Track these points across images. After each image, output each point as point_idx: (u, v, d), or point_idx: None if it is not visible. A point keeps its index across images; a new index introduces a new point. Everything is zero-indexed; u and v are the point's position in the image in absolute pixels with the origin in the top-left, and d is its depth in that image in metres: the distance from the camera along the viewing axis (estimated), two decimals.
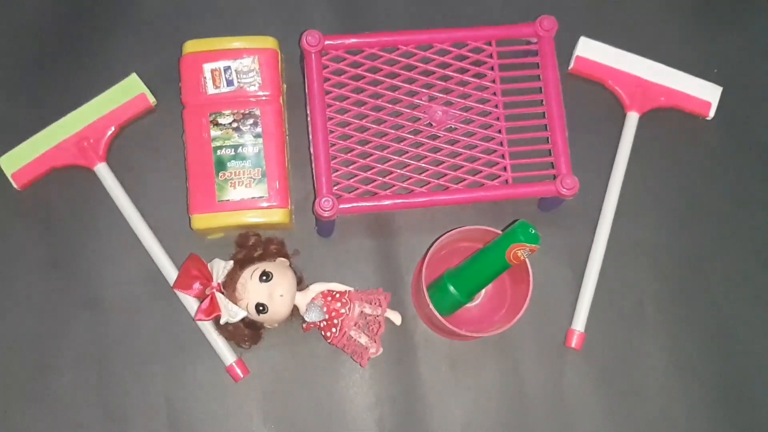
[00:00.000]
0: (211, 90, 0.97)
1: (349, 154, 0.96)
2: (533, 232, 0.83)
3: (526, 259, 0.87)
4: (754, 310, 1.01)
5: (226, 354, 0.96)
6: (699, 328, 1.00)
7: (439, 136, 0.98)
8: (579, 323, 0.98)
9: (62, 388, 0.96)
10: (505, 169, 0.97)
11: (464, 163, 0.97)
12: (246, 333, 0.93)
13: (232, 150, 0.96)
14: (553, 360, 0.99)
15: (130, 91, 1.01)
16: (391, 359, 0.98)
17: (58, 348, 0.97)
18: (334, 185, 0.94)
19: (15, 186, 1.00)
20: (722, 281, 1.02)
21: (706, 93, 1.06)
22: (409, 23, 1.05)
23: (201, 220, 0.95)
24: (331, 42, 0.98)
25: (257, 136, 0.96)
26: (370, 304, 0.94)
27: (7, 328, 0.98)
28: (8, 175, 0.99)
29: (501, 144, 0.98)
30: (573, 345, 0.98)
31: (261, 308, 0.90)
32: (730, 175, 1.06)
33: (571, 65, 1.06)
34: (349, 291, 0.94)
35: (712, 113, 1.06)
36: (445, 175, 0.96)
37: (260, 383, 0.97)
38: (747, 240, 1.04)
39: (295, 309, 0.93)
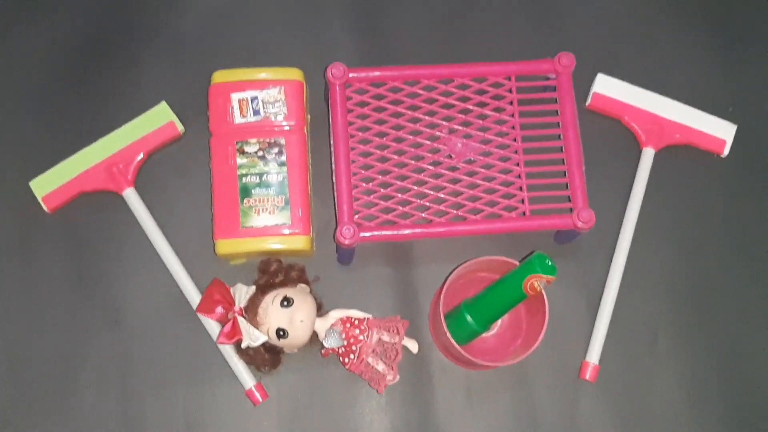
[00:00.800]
0: (238, 119, 1.00)
1: (371, 184, 0.98)
2: (550, 263, 0.85)
3: (543, 290, 0.89)
4: (766, 344, 1.02)
5: (246, 378, 0.97)
6: (713, 361, 1.01)
7: (459, 168, 1.00)
8: (593, 355, 0.99)
9: (84, 406, 0.98)
10: (522, 201, 0.99)
11: (483, 195, 0.99)
12: (266, 357, 0.94)
13: (257, 177, 0.98)
14: (567, 391, 1.00)
15: (159, 119, 1.05)
16: (408, 387, 0.99)
17: (80, 367, 0.99)
18: (355, 214, 0.96)
19: (45, 209, 1.03)
20: (736, 314, 1.03)
21: (721, 131, 1.08)
22: (431, 58, 1.07)
23: (225, 246, 0.97)
24: (355, 74, 1.00)
25: (282, 164, 0.99)
26: (388, 331, 0.95)
27: (32, 346, 1.00)
28: (39, 198, 1.02)
29: (519, 177, 1.00)
30: (587, 377, 0.99)
31: (281, 333, 0.91)
32: (744, 212, 1.07)
33: (589, 101, 1.08)
34: (368, 318, 0.96)
35: (726, 151, 1.08)
36: (464, 206, 0.98)
37: (279, 407, 0.98)
38: (760, 274, 1.05)
39: (314, 335, 0.95)
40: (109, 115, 1.06)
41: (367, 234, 0.95)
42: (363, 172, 0.99)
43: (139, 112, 1.05)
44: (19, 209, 1.04)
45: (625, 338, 1.01)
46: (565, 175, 1.00)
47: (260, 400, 0.97)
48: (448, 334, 0.90)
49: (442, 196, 0.99)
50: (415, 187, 0.99)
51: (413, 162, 1.00)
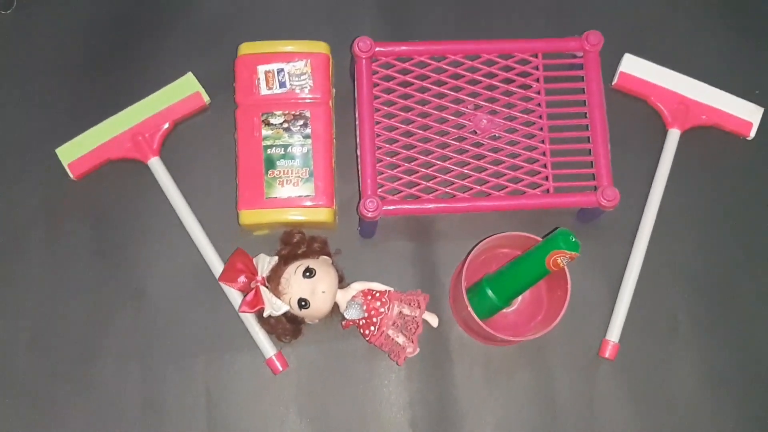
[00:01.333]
0: (264, 91, 1.00)
1: (395, 158, 0.98)
2: (573, 240, 0.85)
3: (565, 267, 0.89)
4: None
5: (267, 347, 0.98)
6: (733, 345, 1.01)
7: (483, 144, 1.00)
8: (614, 334, 0.99)
9: (105, 375, 0.99)
10: (546, 178, 0.99)
11: (507, 171, 0.99)
12: (287, 327, 0.95)
13: (282, 149, 0.99)
14: (586, 369, 1.00)
15: (185, 90, 1.05)
16: (427, 361, 1.00)
17: (103, 336, 1.00)
18: (379, 187, 0.97)
19: (71, 175, 1.03)
20: (758, 299, 1.03)
21: (748, 113, 1.07)
22: (458, 34, 1.07)
23: (249, 216, 0.98)
24: (381, 49, 1.00)
25: (306, 137, 0.99)
26: (409, 304, 0.96)
27: (54, 315, 1.01)
28: (65, 164, 1.03)
29: (543, 154, 1.00)
30: (607, 355, 0.99)
31: (303, 303, 0.92)
32: None
33: (615, 81, 1.08)
34: (389, 291, 0.96)
35: (753, 133, 1.07)
36: (488, 182, 0.98)
37: (298, 377, 0.99)
38: None
39: (335, 306, 0.95)
40: (136, 85, 1.07)
41: (390, 207, 0.95)
42: (387, 146, 0.99)
43: (166, 84, 1.05)
44: (45, 176, 1.05)
45: (645, 318, 1.01)
46: (590, 153, 0.99)
47: (280, 369, 0.98)
48: (470, 308, 0.90)
49: (466, 171, 0.99)
50: (439, 162, 0.99)
51: (438, 137, 1.00)
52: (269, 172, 0.98)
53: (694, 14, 1.14)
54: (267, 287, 0.93)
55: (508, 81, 1.02)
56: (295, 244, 0.96)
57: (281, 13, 1.12)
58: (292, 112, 1.00)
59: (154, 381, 0.99)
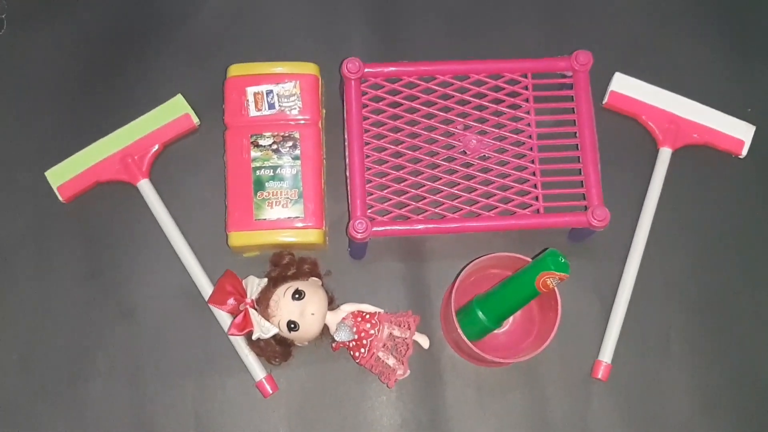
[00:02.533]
0: (253, 112, 1.00)
1: (384, 179, 0.98)
2: (563, 260, 0.85)
3: (555, 288, 0.88)
4: None
5: (257, 369, 0.97)
6: (726, 364, 1.00)
7: (473, 164, 1.00)
8: (606, 354, 0.99)
9: (94, 396, 0.98)
10: (537, 198, 0.98)
11: (496, 192, 0.98)
12: (277, 349, 0.94)
13: (271, 171, 0.99)
14: (578, 390, 0.99)
15: (175, 111, 1.05)
16: (418, 382, 0.99)
17: (92, 357, 1.00)
18: (368, 208, 0.96)
19: (60, 198, 1.03)
20: (750, 318, 1.02)
21: (739, 131, 1.07)
22: (447, 54, 1.07)
23: (238, 238, 0.97)
24: (370, 70, 1.00)
25: (296, 158, 0.99)
26: (399, 326, 0.95)
27: (44, 335, 1.00)
28: (54, 187, 1.03)
29: (534, 174, 0.99)
30: (600, 376, 0.98)
31: (292, 325, 0.92)
32: (761, 214, 1.06)
33: (606, 100, 1.08)
34: (379, 312, 0.96)
35: (744, 152, 1.07)
36: (478, 202, 0.98)
37: (288, 400, 0.98)
38: None
39: (325, 328, 0.95)
40: (125, 107, 1.07)
41: (379, 228, 0.95)
42: (377, 166, 0.99)
43: (155, 105, 1.05)
44: (34, 199, 1.05)
45: (638, 339, 1.01)
46: (580, 173, 0.99)
47: (270, 391, 0.97)
48: (460, 330, 0.90)
49: (456, 191, 0.98)
50: (429, 183, 0.99)
51: (427, 157, 1.00)
52: (258, 193, 0.98)
53: (684, 33, 1.14)
54: (256, 309, 0.93)
55: (498, 101, 1.02)
56: (285, 266, 0.96)
57: (271, 34, 1.12)
58: (282, 134, 1.00)
59: (143, 402, 0.98)
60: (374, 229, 0.94)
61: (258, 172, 0.99)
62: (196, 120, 1.06)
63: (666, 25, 1.14)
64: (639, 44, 1.13)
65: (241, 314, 0.93)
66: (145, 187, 1.03)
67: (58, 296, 1.02)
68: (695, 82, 1.10)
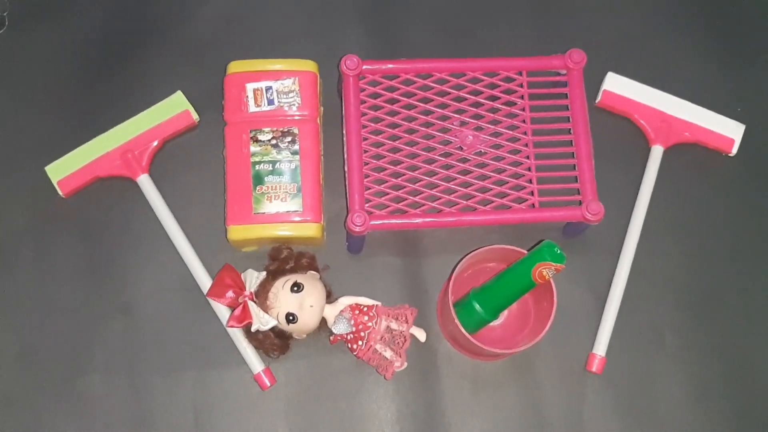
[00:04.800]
0: (252, 108, 1.02)
1: (382, 174, 0.99)
2: (559, 251, 0.86)
3: (551, 279, 0.90)
4: None
5: (255, 362, 0.98)
6: (719, 358, 1.02)
7: (469, 160, 1.01)
8: (600, 348, 1.00)
9: (93, 391, 0.99)
10: (532, 193, 1.00)
11: (492, 186, 1.00)
12: (275, 342, 0.95)
13: (270, 165, 1.00)
14: (573, 383, 1.00)
15: (174, 108, 1.06)
16: (415, 375, 1.00)
17: (91, 352, 1.00)
18: (366, 202, 0.97)
19: (60, 193, 1.04)
20: (743, 312, 1.04)
21: (730, 130, 1.09)
22: (444, 51, 1.09)
23: (237, 231, 0.98)
24: (368, 67, 1.02)
25: (294, 153, 1.00)
26: (397, 319, 0.96)
27: (43, 329, 1.01)
28: (54, 182, 1.03)
29: (529, 169, 1.01)
30: (594, 369, 0.99)
31: (291, 318, 0.92)
32: (751, 210, 1.08)
33: (599, 99, 1.10)
34: (377, 305, 0.97)
35: (734, 150, 1.08)
36: (474, 196, 0.99)
37: (286, 392, 0.99)
38: (766, 272, 1.05)
39: (323, 321, 0.96)
40: (125, 104, 1.08)
41: (377, 222, 0.96)
42: (374, 162, 1.00)
43: (156, 102, 1.07)
44: (34, 194, 1.05)
45: (632, 332, 1.02)
46: (574, 168, 1.01)
47: (268, 384, 0.98)
48: (457, 321, 0.91)
49: (453, 186, 1.00)
50: (426, 178, 1.00)
51: (424, 153, 1.01)
52: (257, 187, 0.99)
53: (676, 33, 1.16)
54: (255, 302, 0.94)
55: (494, 98, 1.04)
56: (283, 260, 0.97)
57: (270, 32, 1.14)
58: (281, 129, 1.01)
59: (141, 396, 0.99)
60: (372, 222, 0.95)
61: (257, 167, 1.00)
62: (195, 116, 1.07)
63: (658, 25, 1.16)
64: (631, 44, 1.15)
65: (240, 306, 0.94)
66: (145, 182, 1.04)
67: (57, 291, 1.02)
68: (686, 82, 1.12)
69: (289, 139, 1.01)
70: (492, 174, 1.00)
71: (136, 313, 1.02)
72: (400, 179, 1.00)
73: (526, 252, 0.91)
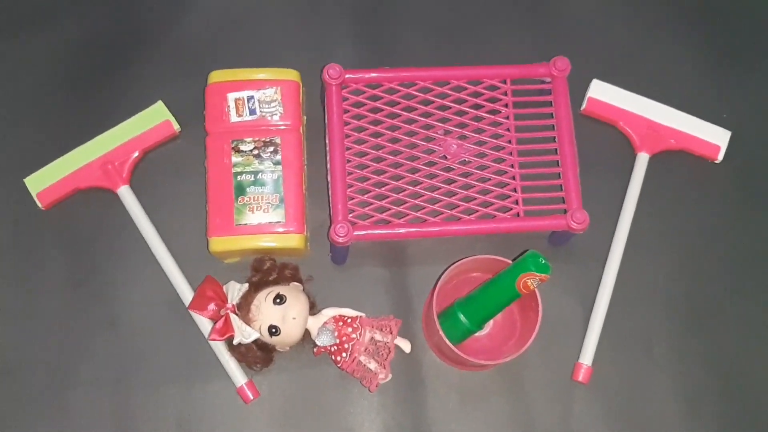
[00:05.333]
0: (234, 118, 1.01)
1: (365, 183, 0.99)
2: (543, 261, 0.85)
3: (536, 289, 0.89)
4: (760, 350, 1.02)
5: (238, 375, 0.97)
6: (706, 366, 1.01)
7: (453, 169, 1.00)
8: (587, 357, 0.99)
9: (77, 404, 0.98)
10: (516, 202, 0.99)
11: (477, 195, 0.99)
12: (258, 355, 0.94)
13: (252, 176, 0.99)
14: (560, 393, 0.99)
15: (155, 118, 1.05)
16: (400, 387, 0.99)
17: (74, 365, 0.99)
18: (350, 213, 0.96)
19: (40, 205, 1.03)
20: (729, 320, 1.03)
21: (716, 137, 1.08)
22: (427, 60, 1.08)
23: (219, 243, 0.97)
24: (351, 76, 1.01)
25: (277, 163, 0.99)
26: (381, 330, 0.95)
27: (26, 344, 1.00)
28: (33, 194, 1.02)
29: (513, 178, 1.00)
30: (580, 379, 0.98)
31: (274, 330, 0.91)
32: (737, 217, 1.07)
33: (584, 106, 1.09)
34: (361, 316, 0.96)
35: (720, 157, 1.08)
36: (458, 206, 0.98)
37: (270, 406, 0.98)
38: (754, 281, 1.05)
39: (306, 333, 0.95)
40: (106, 114, 1.07)
41: (361, 232, 0.95)
42: (358, 171, 0.99)
43: (136, 112, 1.06)
44: (14, 206, 1.04)
45: (619, 341, 1.01)
46: (559, 177, 1.00)
47: (251, 397, 0.96)
48: (441, 332, 0.90)
49: (437, 196, 0.99)
50: (410, 187, 0.99)
51: (408, 162, 1.00)
52: (239, 198, 0.98)
53: (661, 40, 1.16)
54: (237, 314, 0.92)
55: (478, 107, 1.03)
56: (266, 271, 0.96)
57: (253, 42, 1.13)
58: (263, 139, 1.00)
59: (125, 410, 0.98)
60: (355, 233, 0.94)
61: (239, 177, 0.99)
62: (176, 126, 1.06)
63: (643, 32, 1.16)
64: (617, 51, 1.14)
65: (222, 319, 0.92)
66: (126, 193, 1.03)
67: (39, 304, 1.01)
68: (672, 89, 1.11)
69: (271, 149, 1.00)
70: (476, 183, 1.00)
71: (118, 326, 1.01)
72: (384, 189, 0.99)
73: (510, 262, 0.90)
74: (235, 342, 0.92)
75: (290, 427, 0.97)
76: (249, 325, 0.92)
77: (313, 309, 0.96)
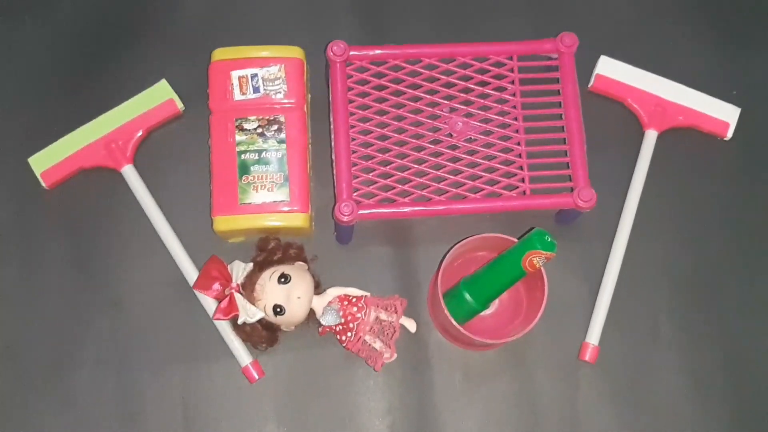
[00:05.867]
0: (237, 96, 1.00)
1: (370, 162, 0.98)
2: (549, 239, 0.84)
3: (542, 268, 0.88)
4: (767, 329, 1.01)
5: (243, 355, 0.97)
6: (713, 345, 1.00)
7: (459, 147, 0.99)
8: (593, 336, 0.99)
9: (81, 385, 0.98)
10: (523, 180, 0.98)
11: (483, 174, 0.98)
12: (263, 334, 0.94)
13: (256, 154, 0.98)
14: (566, 372, 0.99)
15: (159, 97, 1.04)
16: (405, 367, 0.98)
17: (78, 346, 0.99)
18: (354, 191, 0.96)
19: (43, 185, 1.02)
20: (737, 298, 1.02)
21: (725, 114, 1.07)
22: (433, 37, 1.07)
23: (223, 222, 0.97)
24: (356, 53, 1.00)
25: (281, 141, 0.99)
26: (386, 309, 0.95)
27: (30, 324, 1.00)
28: (37, 174, 1.02)
29: (520, 156, 0.99)
30: (587, 358, 0.98)
31: (278, 310, 0.91)
32: (746, 195, 1.06)
33: (591, 83, 1.08)
34: (366, 296, 0.95)
35: (729, 134, 1.07)
36: (464, 184, 0.98)
37: (275, 385, 0.98)
38: (762, 259, 1.04)
39: (311, 313, 0.94)
40: (109, 93, 1.06)
41: (365, 211, 0.94)
42: (362, 149, 0.98)
43: (140, 91, 1.05)
44: (18, 186, 1.04)
45: (626, 321, 1.00)
46: (566, 154, 0.99)
47: (256, 377, 0.96)
48: (447, 312, 0.89)
49: (442, 174, 0.98)
50: (415, 166, 0.98)
51: (413, 140, 0.99)
52: (243, 177, 0.97)
53: (670, 16, 1.14)
54: (242, 294, 0.92)
55: (484, 84, 1.02)
56: (271, 251, 0.95)
57: (256, 19, 1.11)
58: (267, 117, 0.99)
59: (129, 390, 0.98)
60: (360, 212, 0.94)
61: (243, 156, 0.98)
62: (180, 105, 1.05)
63: (651, 8, 1.14)
64: (625, 28, 1.13)
65: (227, 299, 0.92)
66: (129, 172, 1.02)
67: (42, 284, 1.01)
68: (680, 65, 1.10)
69: (275, 127, 0.99)
70: (482, 161, 0.99)
71: (122, 306, 1.00)
72: (388, 167, 0.98)
73: (516, 240, 0.90)
74: (239, 321, 0.92)
75: (295, 406, 0.97)
76: (254, 304, 0.91)
77: (318, 288, 0.96)
